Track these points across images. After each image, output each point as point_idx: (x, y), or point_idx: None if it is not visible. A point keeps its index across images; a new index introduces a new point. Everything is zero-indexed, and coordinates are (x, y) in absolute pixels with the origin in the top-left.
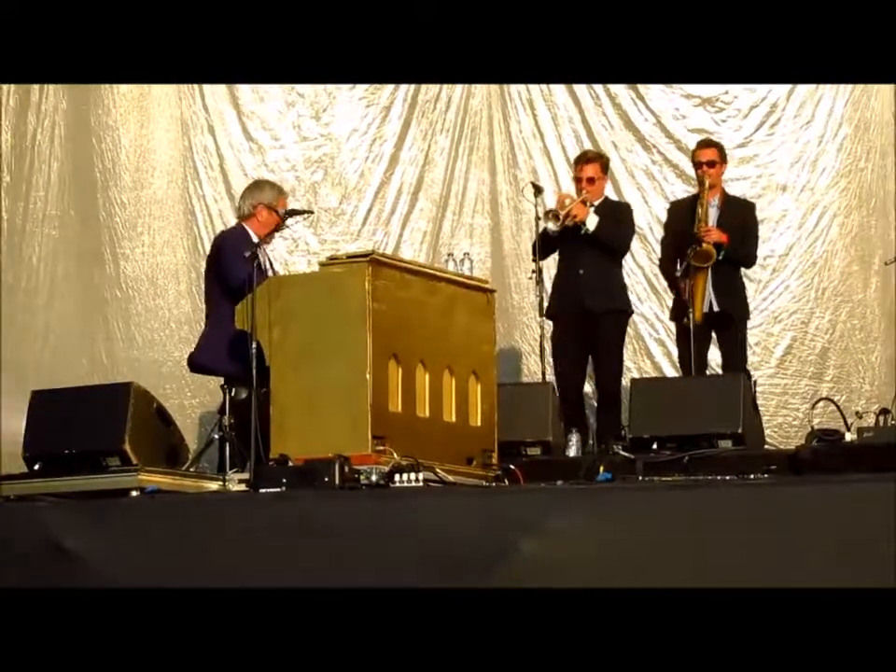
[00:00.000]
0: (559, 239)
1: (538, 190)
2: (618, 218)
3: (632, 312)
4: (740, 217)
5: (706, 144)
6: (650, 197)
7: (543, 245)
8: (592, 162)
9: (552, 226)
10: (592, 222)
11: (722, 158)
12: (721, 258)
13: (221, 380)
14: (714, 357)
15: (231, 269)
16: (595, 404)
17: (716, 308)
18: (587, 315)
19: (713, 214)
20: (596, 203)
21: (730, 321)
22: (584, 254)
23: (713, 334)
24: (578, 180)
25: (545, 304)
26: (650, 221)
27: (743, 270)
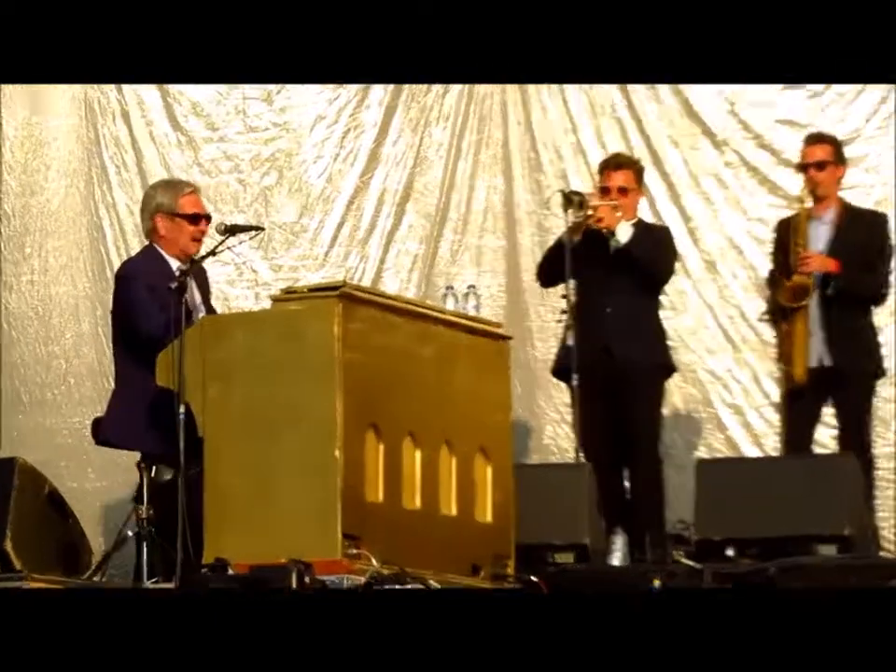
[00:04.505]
0: (578, 260)
1: (569, 201)
2: (656, 242)
3: (675, 369)
4: (863, 236)
5: (815, 139)
6: (721, 211)
7: (555, 264)
8: (623, 169)
9: (571, 216)
10: (624, 233)
11: (838, 158)
12: (829, 293)
13: (137, 456)
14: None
15: (140, 309)
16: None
17: (827, 363)
18: (615, 369)
19: (824, 233)
20: (629, 222)
21: (847, 381)
22: (613, 285)
23: (829, 398)
24: (605, 191)
25: (574, 355)
26: (721, 246)
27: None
